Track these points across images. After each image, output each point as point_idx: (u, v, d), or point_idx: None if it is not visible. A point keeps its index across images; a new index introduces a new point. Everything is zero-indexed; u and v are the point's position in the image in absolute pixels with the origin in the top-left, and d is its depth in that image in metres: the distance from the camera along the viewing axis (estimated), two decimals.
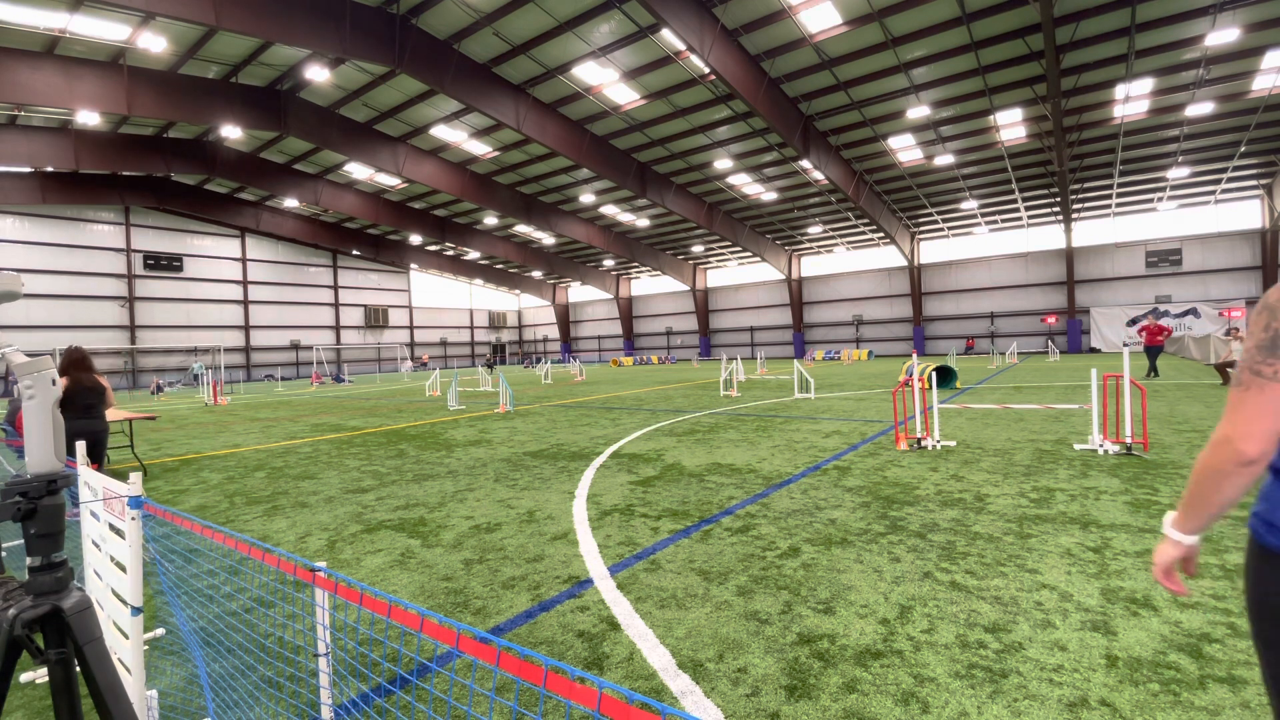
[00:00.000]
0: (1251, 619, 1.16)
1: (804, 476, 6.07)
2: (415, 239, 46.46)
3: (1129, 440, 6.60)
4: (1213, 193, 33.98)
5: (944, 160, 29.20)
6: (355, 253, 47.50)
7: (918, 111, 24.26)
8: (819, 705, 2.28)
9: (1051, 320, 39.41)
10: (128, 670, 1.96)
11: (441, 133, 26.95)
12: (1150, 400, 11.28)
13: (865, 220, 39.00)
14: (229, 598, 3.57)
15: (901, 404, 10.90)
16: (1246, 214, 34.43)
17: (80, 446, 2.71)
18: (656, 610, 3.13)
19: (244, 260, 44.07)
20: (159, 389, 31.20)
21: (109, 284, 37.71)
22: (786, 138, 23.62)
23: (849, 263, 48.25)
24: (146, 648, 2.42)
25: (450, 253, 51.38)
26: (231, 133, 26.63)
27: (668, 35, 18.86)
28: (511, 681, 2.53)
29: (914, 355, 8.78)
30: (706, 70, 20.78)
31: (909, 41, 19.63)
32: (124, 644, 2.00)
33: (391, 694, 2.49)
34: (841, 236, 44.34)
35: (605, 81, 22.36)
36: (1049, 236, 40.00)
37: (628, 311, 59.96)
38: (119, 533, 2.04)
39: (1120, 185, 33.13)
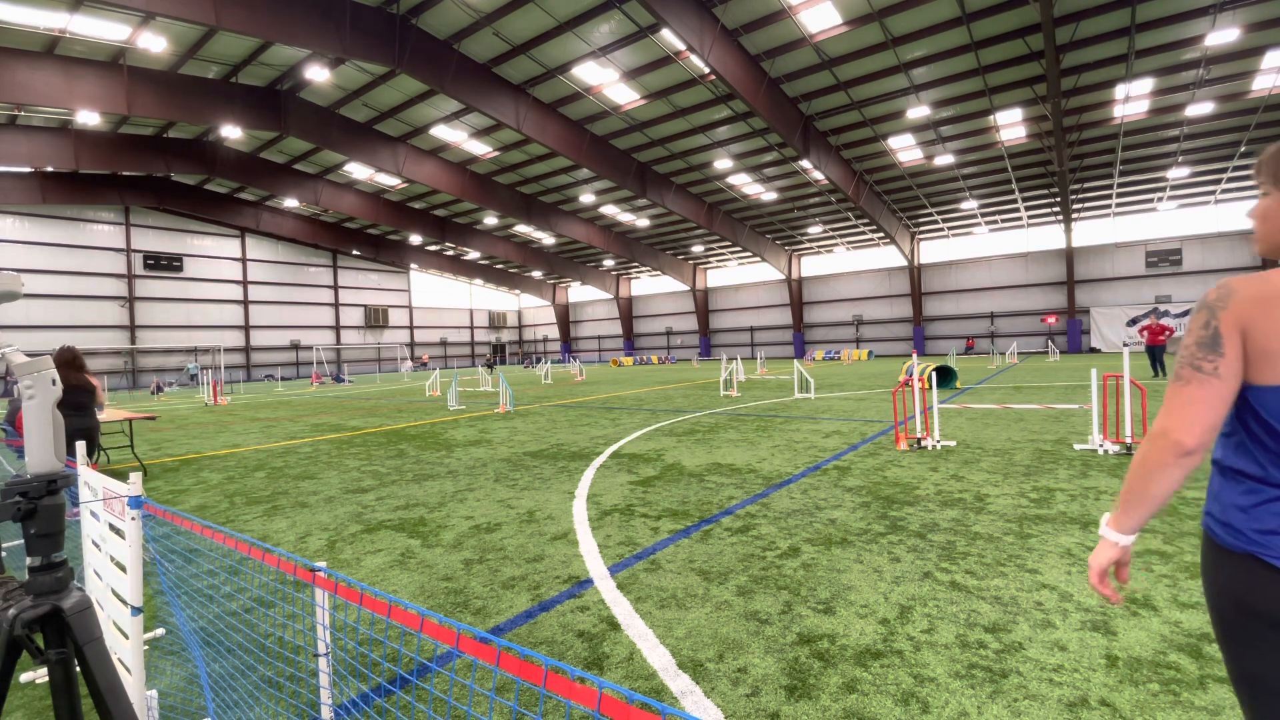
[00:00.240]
0: (1212, 615, 1.20)
1: (804, 476, 6.07)
2: (415, 239, 46.46)
3: (1129, 440, 6.60)
4: (1213, 193, 33.98)
5: (944, 160, 29.20)
6: (355, 253, 47.51)
7: (918, 111, 24.26)
8: (819, 705, 2.28)
9: (1051, 320, 39.40)
10: (128, 670, 1.96)
11: (441, 133, 26.96)
12: (1150, 400, 11.27)
13: (865, 220, 38.99)
14: (229, 598, 3.57)
15: (901, 404, 10.90)
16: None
17: (80, 446, 2.71)
18: (656, 610, 3.13)
19: (244, 260, 44.07)
20: (159, 389, 31.21)
21: (109, 284, 37.71)
22: (786, 138, 23.62)
23: (849, 263, 48.25)
24: (146, 648, 2.41)
25: (450, 253, 51.38)
26: (231, 133, 26.63)
27: (668, 35, 18.86)
28: (511, 681, 2.53)
29: (914, 355, 8.78)
30: (706, 70, 20.78)
31: (909, 41, 19.63)
32: (124, 644, 2.00)
33: (391, 694, 2.49)
34: (841, 236, 44.35)
35: (605, 81, 22.36)
36: (1049, 236, 39.99)
37: (628, 311, 59.96)
38: (119, 533, 2.04)
39: (1120, 185, 33.13)
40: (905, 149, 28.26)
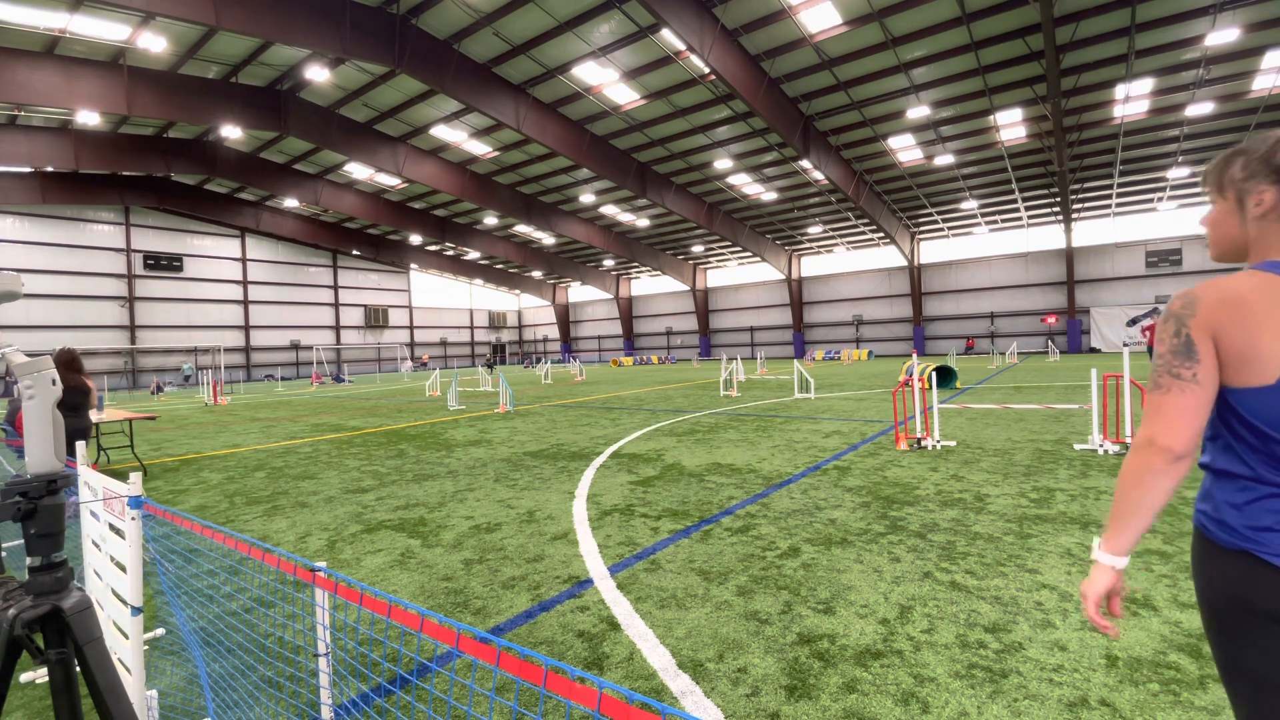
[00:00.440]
0: (1204, 611, 1.20)
1: (804, 476, 6.07)
2: (415, 239, 46.46)
3: (1129, 440, 6.60)
4: None
5: (944, 160, 29.20)
6: (355, 253, 47.50)
7: (918, 111, 24.26)
8: (819, 705, 2.28)
9: (1051, 320, 39.41)
10: (128, 670, 1.96)
11: (441, 133, 26.95)
12: None
13: (865, 220, 38.99)
14: (229, 598, 3.57)
15: (901, 404, 10.90)
16: None
17: (80, 446, 2.72)
18: (656, 610, 3.13)
19: (244, 260, 44.07)
20: (159, 389, 31.22)
21: (109, 284, 37.70)
22: (786, 138, 23.62)
23: (849, 263, 48.25)
24: (146, 648, 2.42)
25: (450, 253, 51.38)
26: (231, 133, 26.62)
27: (668, 35, 18.86)
28: (511, 681, 2.53)
29: (914, 355, 8.78)
30: (706, 70, 20.78)
31: (909, 41, 19.63)
32: (124, 644, 2.00)
33: (391, 694, 2.49)
34: (841, 236, 44.35)
35: (605, 81, 22.36)
36: (1049, 236, 39.99)
37: (628, 311, 59.97)
38: (119, 533, 2.04)
39: (1120, 185, 33.13)
40: (905, 149, 28.25)
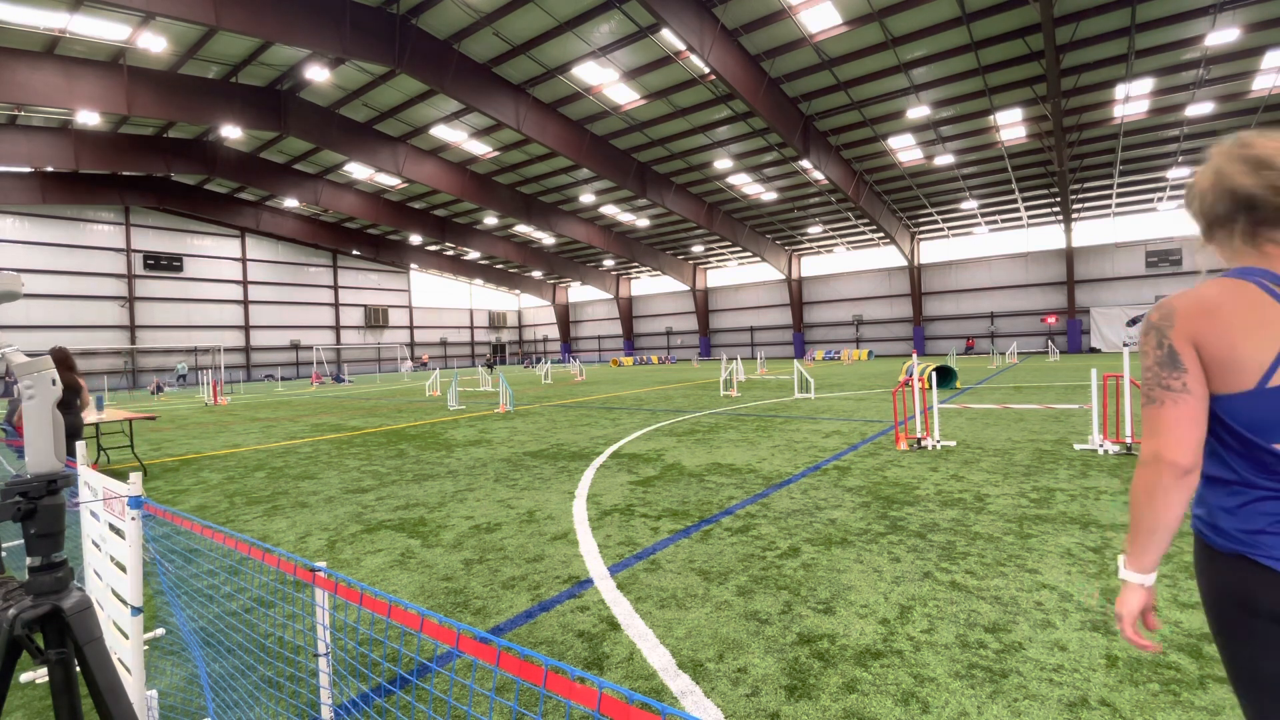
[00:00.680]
0: (1209, 615, 1.22)
1: (804, 476, 6.07)
2: (415, 239, 46.45)
3: (1129, 440, 6.60)
4: None
5: (944, 160, 29.20)
6: (355, 253, 47.50)
7: (918, 111, 24.26)
8: (819, 705, 2.28)
9: (1051, 320, 39.41)
10: (128, 670, 1.96)
11: (441, 133, 26.95)
12: None
13: (865, 220, 38.98)
14: (229, 598, 3.57)
15: (901, 404, 10.90)
16: None
17: (80, 446, 2.72)
18: (656, 610, 3.13)
19: (244, 260, 44.06)
20: (159, 389, 31.22)
21: (109, 284, 37.69)
22: (786, 138, 23.62)
23: (849, 263, 48.24)
24: (146, 648, 2.41)
25: (450, 253, 51.37)
26: (231, 133, 26.62)
27: (668, 35, 18.85)
28: (511, 681, 2.53)
29: (914, 355, 8.78)
30: (706, 70, 20.78)
31: (909, 41, 19.63)
32: (124, 644, 2.00)
33: (391, 694, 2.49)
34: (841, 236, 44.34)
35: (605, 81, 22.36)
36: (1049, 236, 39.98)
37: (628, 311, 59.96)
38: (119, 533, 2.04)
39: (1120, 185, 33.12)
40: (905, 149, 28.25)
